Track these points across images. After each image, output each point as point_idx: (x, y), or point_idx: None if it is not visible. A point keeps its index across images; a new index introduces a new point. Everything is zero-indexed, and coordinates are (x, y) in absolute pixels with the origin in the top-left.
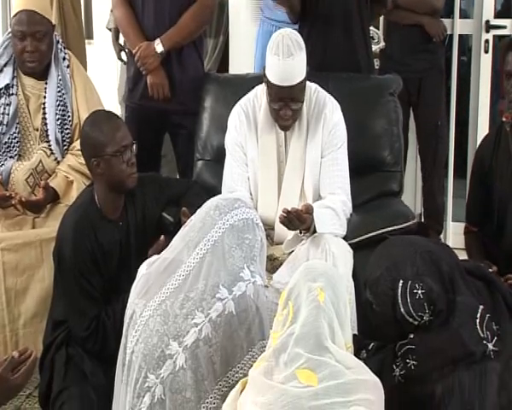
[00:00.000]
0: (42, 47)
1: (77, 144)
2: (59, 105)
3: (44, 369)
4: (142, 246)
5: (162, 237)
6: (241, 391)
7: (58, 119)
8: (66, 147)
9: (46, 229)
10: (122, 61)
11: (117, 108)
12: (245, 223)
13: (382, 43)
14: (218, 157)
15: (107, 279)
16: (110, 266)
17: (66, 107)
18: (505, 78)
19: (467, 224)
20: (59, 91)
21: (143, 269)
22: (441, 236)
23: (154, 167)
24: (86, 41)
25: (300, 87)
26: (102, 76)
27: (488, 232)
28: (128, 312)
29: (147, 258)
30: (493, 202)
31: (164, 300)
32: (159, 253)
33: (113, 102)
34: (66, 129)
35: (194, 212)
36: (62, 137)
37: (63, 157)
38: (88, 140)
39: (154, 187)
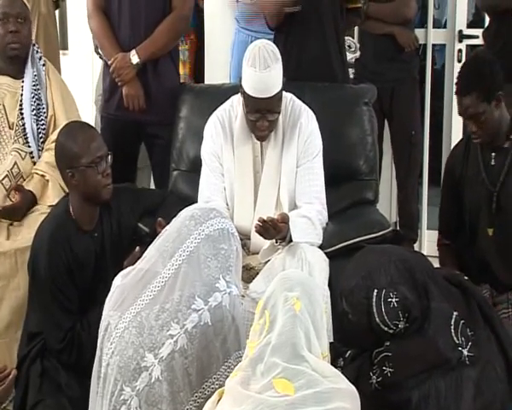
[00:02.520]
0: (23, 30)
1: (53, 137)
2: (33, 97)
3: (19, 382)
4: (117, 257)
5: (137, 247)
6: (218, 401)
7: (33, 109)
8: (42, 139)
9: (21, 239)
10: (99, 54)
11: (91, 118)
12: (220, 233)
13: (359, 53)
14: (194, 167)
15: (82, 291)
16: (85, 277)
17: (41, 100)
18: (467, 119)
19: (440, 236)
20: (34, 86)
21: (118, 280)
22: (416, 244)
23: (130, 178)
24: (61, 52)
25: (277, 98)
26: (77, 86)
27: (461, 242)
28: (103, 324)
29: (122, 269)
30: (465, 212)
31: (139, 311)
32: (134, 263)
33: (87, 111)
34: (41, 120)
35: (170, 222)
36: (38, 128)
37: (39, 150)
38: (63, 151)
39: (130, 198)
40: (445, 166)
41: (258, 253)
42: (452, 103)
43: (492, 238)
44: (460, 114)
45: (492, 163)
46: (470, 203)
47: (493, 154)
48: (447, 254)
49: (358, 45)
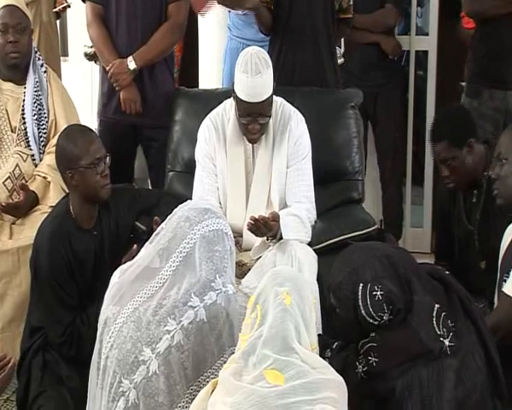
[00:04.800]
0: (23, 40)
1: (54, 141)
2: (35, 103)
3: (22, 374)
4: (115, 254)
5: (135, 245)
6: (212, 391)
7: (34, 114)
8: (43, 143)
9: (23, 237)
10: (92, 58)
11: (91, 123)
12: (215, 234)
13: (341, 59)
14: (189, 168)
15: (82, 287)
16: (85, 274)
17: (42, 106)
18: (439, 164)
19: (436, 258)
20: (35, 91)
21: (116, 276)
22: (400, 241)
23: (127, 179)
24: (62, 58)
25: (268, 103)
26: (77, 92)
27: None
28: (102, 318)
29: (120, 265)
30: (456, 245)
31: (137, 307)
32: (131, 260)
33: (87, 116)
34: (42, 125)
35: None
36: (39, 132)
37: (40, 153)
38: (63, 153)
39: (127, 197)
40: (437, 197)
41: (250, 250)
42: (435, 106)
43: (485, 271)
44: (434, 158)
45: (474, 200)
46: (459, 240)
47: (475, 191)
48: None
49: (343, 51)
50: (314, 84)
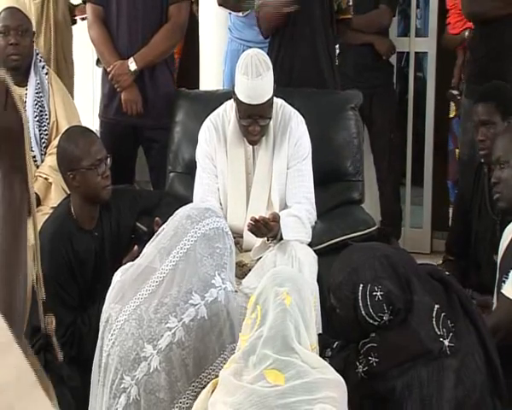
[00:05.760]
0: (24, 42)
1: (55, 142)
2: (36, 105)
3: None
4: (116, 255)
5: (135, 246)
6: (212, 391)
7: (36, 116)
8: (44, 144)
9: None
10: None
11: (92, 124)
12: (215, 232)
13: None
14: (189, 169)
15: (82, 288)
16: (86, 274)
17: (44, 107)
18: (477, 126)
19: (446, 252)
20: (37, 93)
21: (118, 276)
22: (400, 241)
23: (128, 180)
24: None
25: (268, 104)
26: (78, 93)
27: (466, 267)
28: (104, 316)
29: (121, 267)
30: (472, 238)
31: (139, 305)
32: (132, 261)
33: (88, 118)
34: (44, 126)
35: (166, 221)
36: (40, 134)
37: (42, 155)
38: (64, 154)
39: (128, 198)
40: (457, 192)
41: (250, 250)
42: (434, 108)
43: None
44: (474, 121)
45: None
46: (477, 233)
47: None
48: (451, 268)
49: (337, 52)
50: (312, 85)
